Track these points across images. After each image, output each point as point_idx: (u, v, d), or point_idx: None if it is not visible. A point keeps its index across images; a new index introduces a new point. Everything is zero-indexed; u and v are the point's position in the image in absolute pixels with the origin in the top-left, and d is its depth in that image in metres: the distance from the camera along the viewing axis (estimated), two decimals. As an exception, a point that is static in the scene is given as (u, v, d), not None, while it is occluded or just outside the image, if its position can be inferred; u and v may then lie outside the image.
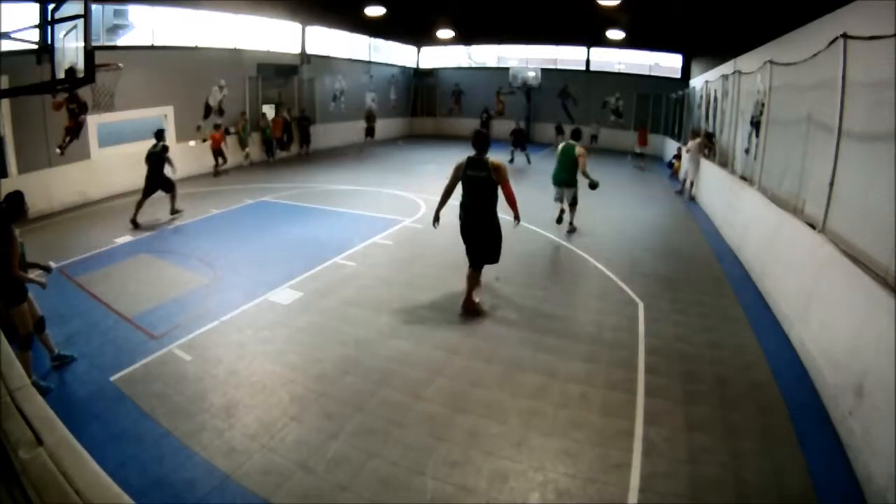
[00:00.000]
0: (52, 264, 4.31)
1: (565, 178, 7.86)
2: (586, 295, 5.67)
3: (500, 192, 4.82)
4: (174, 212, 8.38)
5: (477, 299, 5.11)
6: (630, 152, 18.44)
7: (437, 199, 5.06)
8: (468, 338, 4.60)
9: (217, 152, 12.42)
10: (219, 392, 3.73)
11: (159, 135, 8.40)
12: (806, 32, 6.48)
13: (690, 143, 11.21)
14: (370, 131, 17.81)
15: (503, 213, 4.99)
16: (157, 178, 8.08)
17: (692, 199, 11.14)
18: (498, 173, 4.73)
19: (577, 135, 8.20)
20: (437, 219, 4.97)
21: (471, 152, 4.84)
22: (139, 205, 7.97)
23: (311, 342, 4.48)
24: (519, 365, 4.15)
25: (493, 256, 5.04)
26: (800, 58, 5.72)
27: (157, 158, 8.05)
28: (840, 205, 4.53)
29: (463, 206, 4.94)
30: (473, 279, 5.03)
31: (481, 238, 4.94)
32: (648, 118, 18.98)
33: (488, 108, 21.40)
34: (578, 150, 7.71)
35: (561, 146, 8.01)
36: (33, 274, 3.94)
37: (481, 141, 4.83)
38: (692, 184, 11.16)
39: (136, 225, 7.85)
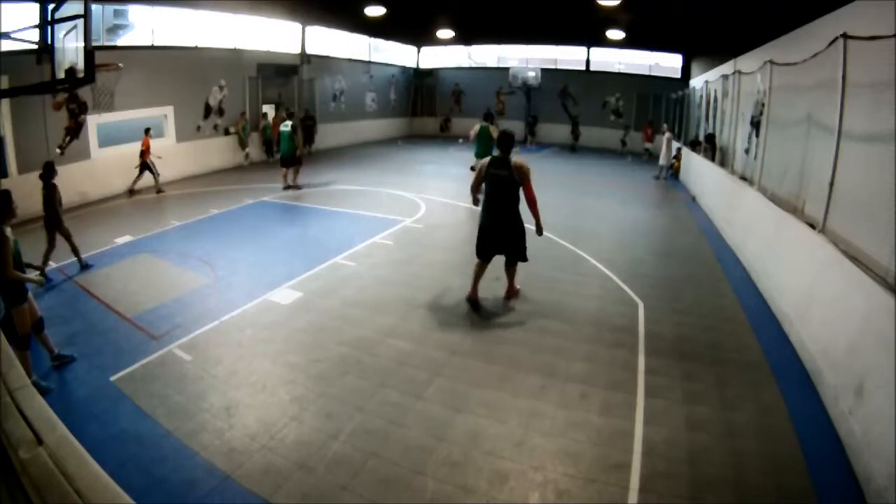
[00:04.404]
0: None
1: (483, 151, 9.05)
2: (586, 295, 5.67)
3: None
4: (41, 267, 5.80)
5: (518, 287, 5.52)
6: (629, 152, 18.56)
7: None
8: (468, 338, 4.60)
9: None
10: (219, 392, 3.73)
11: (47, 171, 6.01)
12: (806, 32, 6.49)
13: (667, 135, 14.00)
14: (445, 126, 22.07)
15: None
16: (47, 218, 6.00)
17: (675, 178, 14.09)
18: (520, 173, 4.83)
19: (489, 117, 9.56)
20: (476, 200, 5.31)
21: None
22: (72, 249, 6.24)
23: (311, 342, 4.48)
24: (519, 365, 4.15)
25: (521, 254, 5.19)
26: (800, 58, 5.72)
27: (45, 197, 5.98)
28: (840, 205, 4.53)
29: (485, 204, 5.10)
30: (512, 273, 5.36)
31: (504, 236, 5.08)
32: (649, 118, 19.00)
33: (490, 109, 21.36)
34: (493, 129, 8.96)
35: (480, 127, 9.27)
36: (31, 274, 3.93)
37: (506, 141, 4.98)
38: (676, 169, 14.26)
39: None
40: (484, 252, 5.19)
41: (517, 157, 4.98)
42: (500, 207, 5.00)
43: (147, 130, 10.05)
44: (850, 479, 2.98)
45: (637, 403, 3.66)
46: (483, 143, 9.84)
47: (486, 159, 5.07)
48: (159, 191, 10.28)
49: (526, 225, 5.14)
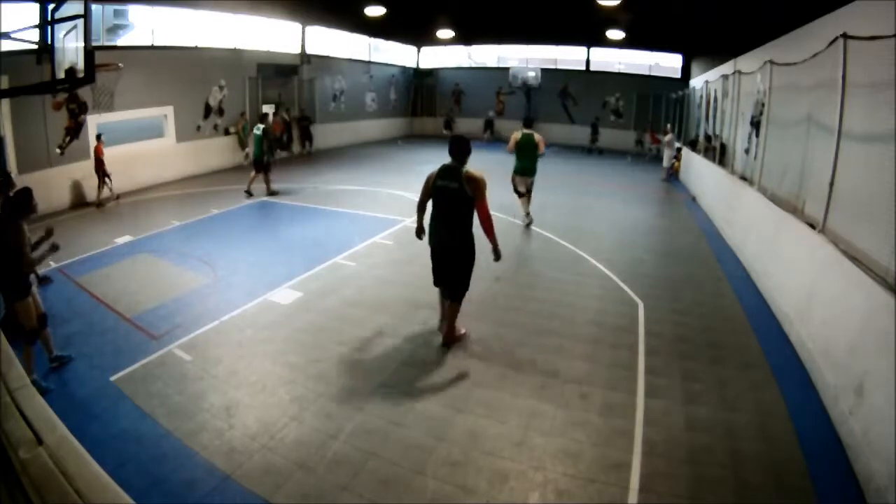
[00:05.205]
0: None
1: (530, 166, 8.16)
2: (586, 295, 5.67)
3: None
4: None
5: (463, 330, 4.59)
6: (629, 152, 18.64)
7: None
8: (468, 338, 4.59)
9: None
10: (219, 392, 3.73)
11: (3, 183, 5.22)
12: (806, 32, 6.48)
13: (669, 137, 14.10)
14: (448, 126, 21.72)
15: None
16: None
17: (674, 177, 14.06)
18: (473, 186, 3.99)
19: (529, 123, 8.44)
20: (421, 230, 4.47)
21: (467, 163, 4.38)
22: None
23: (311, 342, 4.48)
24: (519, 365, 4.15)
25: (460, 286, 4.31)
26: (800, 58, 5.72)
27: None
28: (840, 205, 4.53)
29: (432, 222, 4.27)
30: (453, 312, 4.39)
31: (449, 261, 4.25)
32: (649, 118, 19.02)
33: (490, 113, 21.38)
34: (537, 137, 8.01)
35: (521, 135, 8.09)
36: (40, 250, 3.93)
37: (458, 147, 4.15)
38: (676, 169, 14.23)
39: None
40: (440, 280, 4.44)
41: (472, 166, 4.17)
42: (446, 227, 4.15)
43: (99, 137, 9.17)
44: (850, 479, 2.98)
45: (637, 403, 3.66)
46: (527, 156, 8.02)
47: (435, 170, 4.21)
48: (100, 204, 9.30)
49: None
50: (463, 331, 4.60)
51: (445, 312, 4.46)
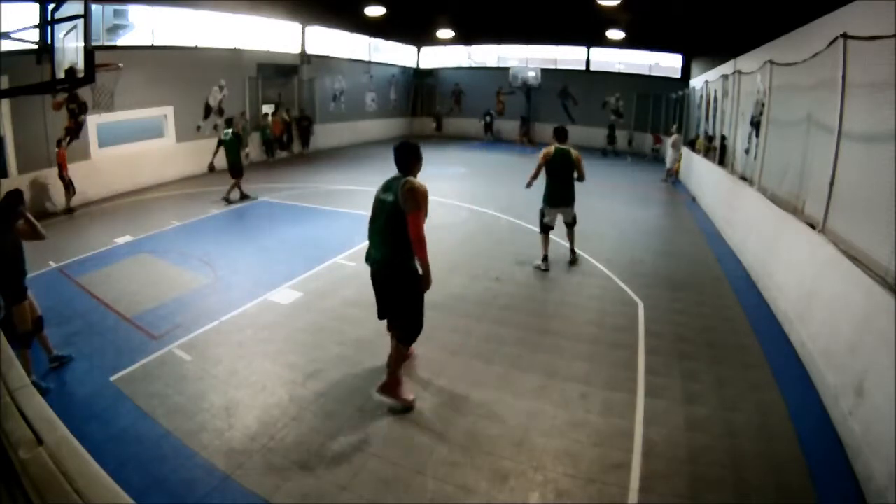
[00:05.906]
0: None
1: (567, 193, 6.26)
2: (586, 295, 5.66)
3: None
4: None
5: (411, 396, 3.58)
6: (628, 153, 18.66)
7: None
8: (468, 338, 4.60)
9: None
10: (219, 392, 3.73)
11: None
12: (806, 32, 6.48)
13: (674, 137, 13.59)
14: (439, 125, 22.57)
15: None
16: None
17: (677, 180, 13.71)
18: (407, 196, 3.26)
19: (563, 135, 6.23)
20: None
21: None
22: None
23: (311, 342, 4.48)
24: (519, 365, 4.15)
25: (408, 323, 3.52)
26: (800, 58, 5.72)
27: None
28: (840, 204, 4.53)
29: (369, 240, 3.58)
30: (397, 354, 3.59)
31: (387, 291, 3.53)
32: (649, 119, 19.01)
33: (490, 110, 21.52)
34: (575, 153, 6.14)
35: (554, 151, 6.12)
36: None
37: (400, 155, 3.52)
38: (676, 170, 13.81)
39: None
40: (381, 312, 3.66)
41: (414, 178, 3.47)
42: (380, 247, 3.45)
43: (59, 142, 8.63)
44: (850, 479, 2.98)
45: (637, 403, 3.66)
46: (563, 180, 6.15)
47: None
48: (70, 210, 8.89)
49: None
50: (411, 397, 3.56)
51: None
